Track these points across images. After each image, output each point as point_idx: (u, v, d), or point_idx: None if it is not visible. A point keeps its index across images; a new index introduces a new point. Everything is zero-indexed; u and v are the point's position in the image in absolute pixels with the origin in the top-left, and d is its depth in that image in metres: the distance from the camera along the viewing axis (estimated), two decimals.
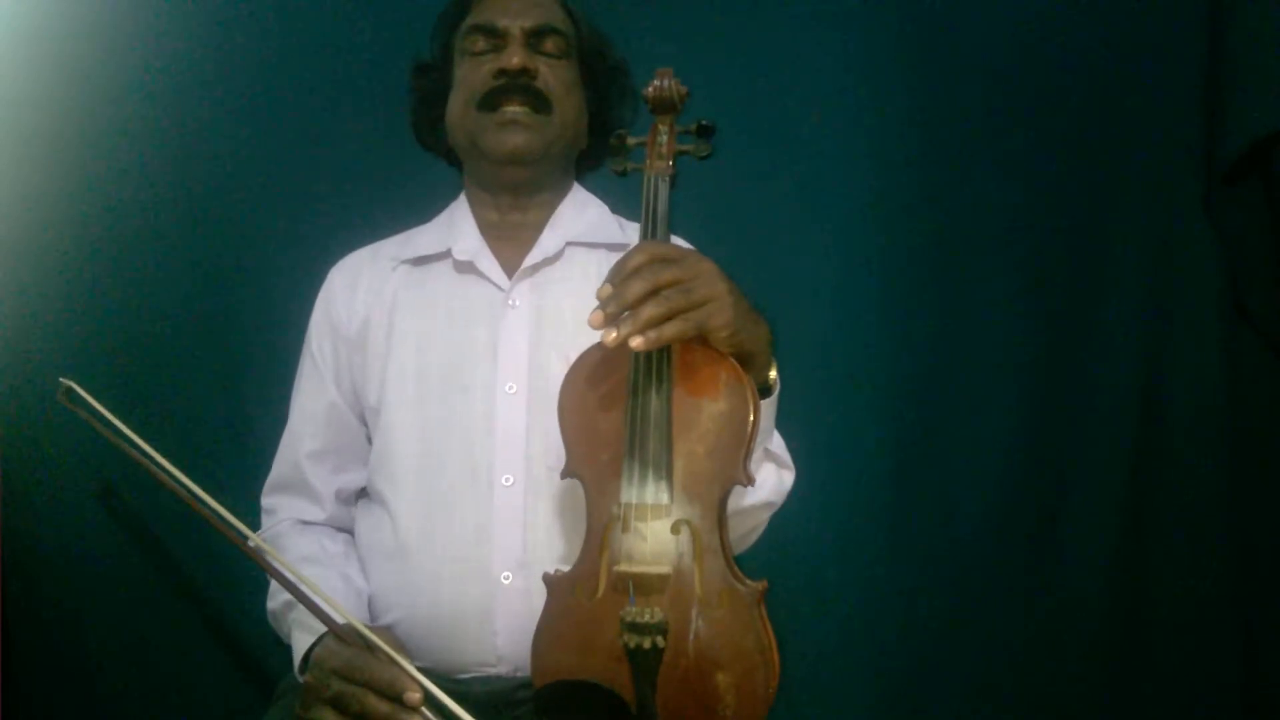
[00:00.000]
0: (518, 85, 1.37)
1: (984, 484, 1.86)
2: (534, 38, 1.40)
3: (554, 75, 1.40)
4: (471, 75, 1.40)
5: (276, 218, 1.79)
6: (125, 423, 1.29)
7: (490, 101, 1.37)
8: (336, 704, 1.13)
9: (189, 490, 1.22)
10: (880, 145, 1.88)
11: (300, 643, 1.25)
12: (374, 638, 1.15)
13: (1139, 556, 1.84)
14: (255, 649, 1.72)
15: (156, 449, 1.25)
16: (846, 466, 1.82)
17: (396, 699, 1.10)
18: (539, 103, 1.38)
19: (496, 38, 1.40)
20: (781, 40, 1.90)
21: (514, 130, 1.36)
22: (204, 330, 1.76)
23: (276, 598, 1.34)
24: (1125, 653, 1.84)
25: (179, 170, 1.76)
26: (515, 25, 1.39)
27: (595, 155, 1.53)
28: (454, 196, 1.54)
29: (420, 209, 1.56)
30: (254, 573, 1.48)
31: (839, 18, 1.89)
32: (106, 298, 1.73)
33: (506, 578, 1.26)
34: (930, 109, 1.89)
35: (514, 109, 1.36)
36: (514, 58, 1.36)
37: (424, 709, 1.10)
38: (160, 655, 1.71)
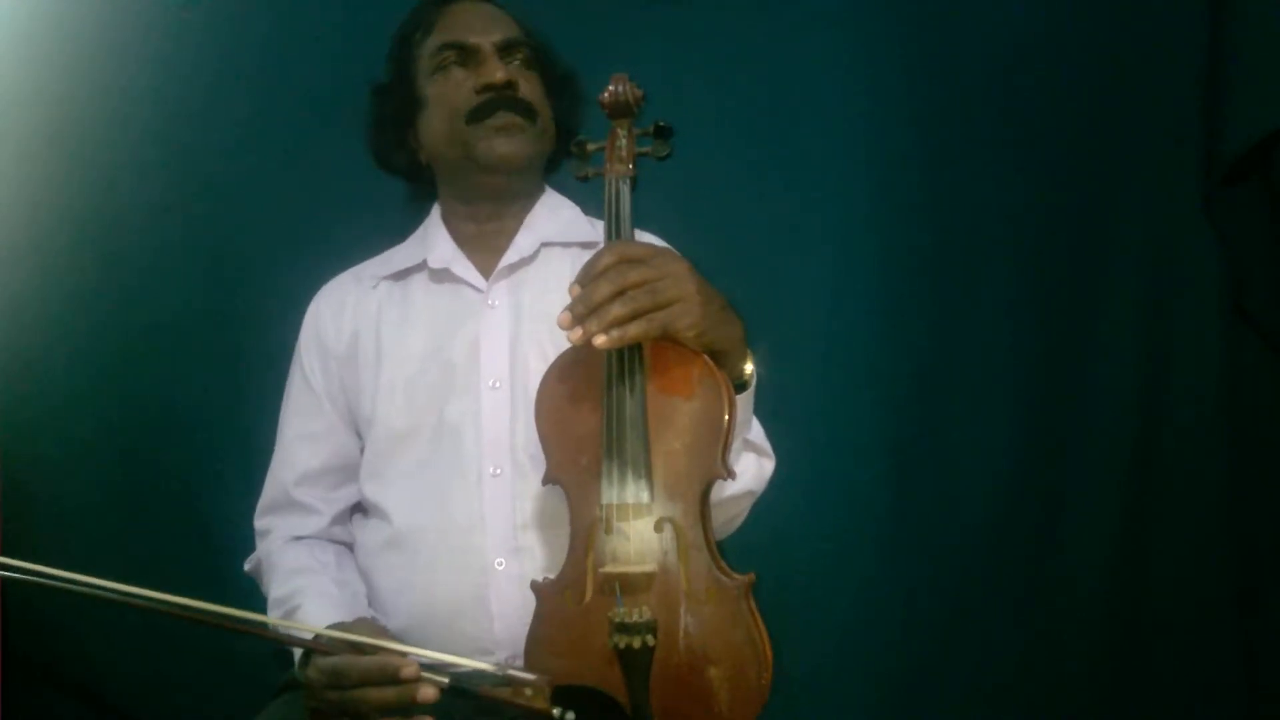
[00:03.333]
0: (504, 98, 1.40)
1: (984, 483, 1.86)
2: (504, 51, 1.44)
3: (529, 85, 1.44)
4: (452, 92, 1.43)
5: (281, 224, 1.81)
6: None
7: (478, 115, 1.40)
8: (343, 713, 1.13)
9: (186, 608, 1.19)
10: (880, 145, 1.89)
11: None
12: (350, 636, 1.14)
13: (1139, 556, 1.83)
14: (255, 649, 1.72)
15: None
16: (846, 466, 1.82)
17: (395, 680, 1.09)
18: (527, 112, 1.41)
19: (468, 54, 1.43)
20: (781, 41, 1.90)
21: (508, 137, 1.40)
22: (206, 333, 1.78)
23: (274, 612, 1.36)
24: (1125, 653, 1.83)
25: (183, 175, 1.78)
26: (486, 41, 1.43)
27: (555, 159, 1.55)
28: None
29: (403, 228, 1.58)
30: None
31: (838, 18, 1.89)
32: (106, 300, 1.75)
33: (500, 564, 1.29)
34: (930, 109, 1.89)
35: (506, 117, 1.39)
36: (497, 72, 1.40)
37: (425, 674, 1.08)
38: (160, 656, 1.73)
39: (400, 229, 1.59)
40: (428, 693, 1.07)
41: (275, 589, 1.36)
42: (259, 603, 1.41)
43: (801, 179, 1.89)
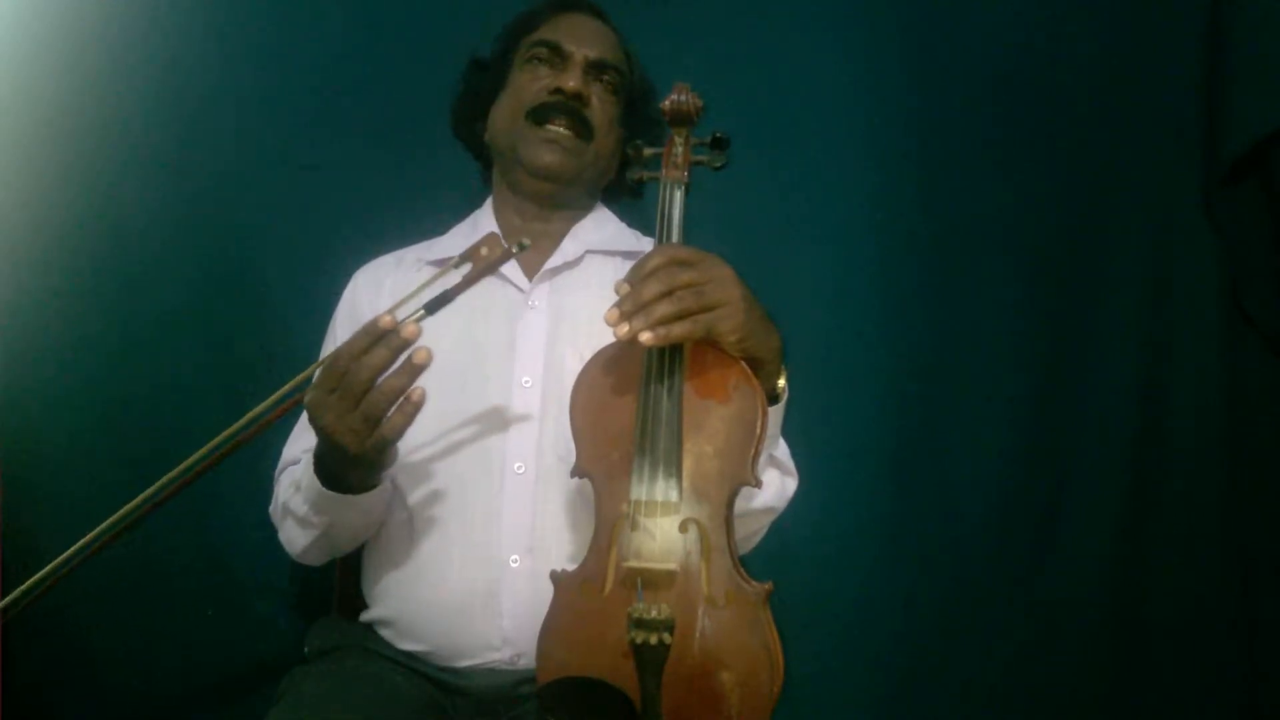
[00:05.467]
0: (568, 107, 1.43)
1: (984, 484, 1.86)
2: (593, 67, 1.47)
3: (602, 108, 1.47)
4: (526, 86, 1.46)
5: (280, 221, 1.79)
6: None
7: (538, 115, 1.43)
8: (354, 402, 1.12)
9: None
10: (880, 145, 1.89)
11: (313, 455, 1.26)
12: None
13: (1139, 556, 1.84)
14: (256, 649, 1.71)
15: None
16: (847, 467, 1.81)
17: (379, 336, 1.10)
18: (583, 129, 1.44)
19: (559, 57, 1.47)
20: (781, 41, 1.90)
21: (554, 149, 1.43)
22: (206, 332, 1.76)
23: (289, 504, 1.35)
24: (1125, 653, 1.84)
25: (183, 172, 1.76)
26: (580, 51, 1.46)
27: (620, 189, 1.59)
28: (466, 211, 1.57)
29: (434, 216, 1.59)
30: (254, 571, 1.49)
31: (839, 19, 1.90)
32: (106, 297, 1.72)
33: (515, 561, 1.28)
34: (930, 109, 1.89)
35: (558, 129, 1.43)
36: (571, 80, 1.43)
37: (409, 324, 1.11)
38: (161, 654, 1.71)
39: (402, 229, 1.58)
40: (410, 328, 1.11)
41: (282, 497, 1.38)
42: (266, 600, 1.40)
43: (801, 179, 1.89)
